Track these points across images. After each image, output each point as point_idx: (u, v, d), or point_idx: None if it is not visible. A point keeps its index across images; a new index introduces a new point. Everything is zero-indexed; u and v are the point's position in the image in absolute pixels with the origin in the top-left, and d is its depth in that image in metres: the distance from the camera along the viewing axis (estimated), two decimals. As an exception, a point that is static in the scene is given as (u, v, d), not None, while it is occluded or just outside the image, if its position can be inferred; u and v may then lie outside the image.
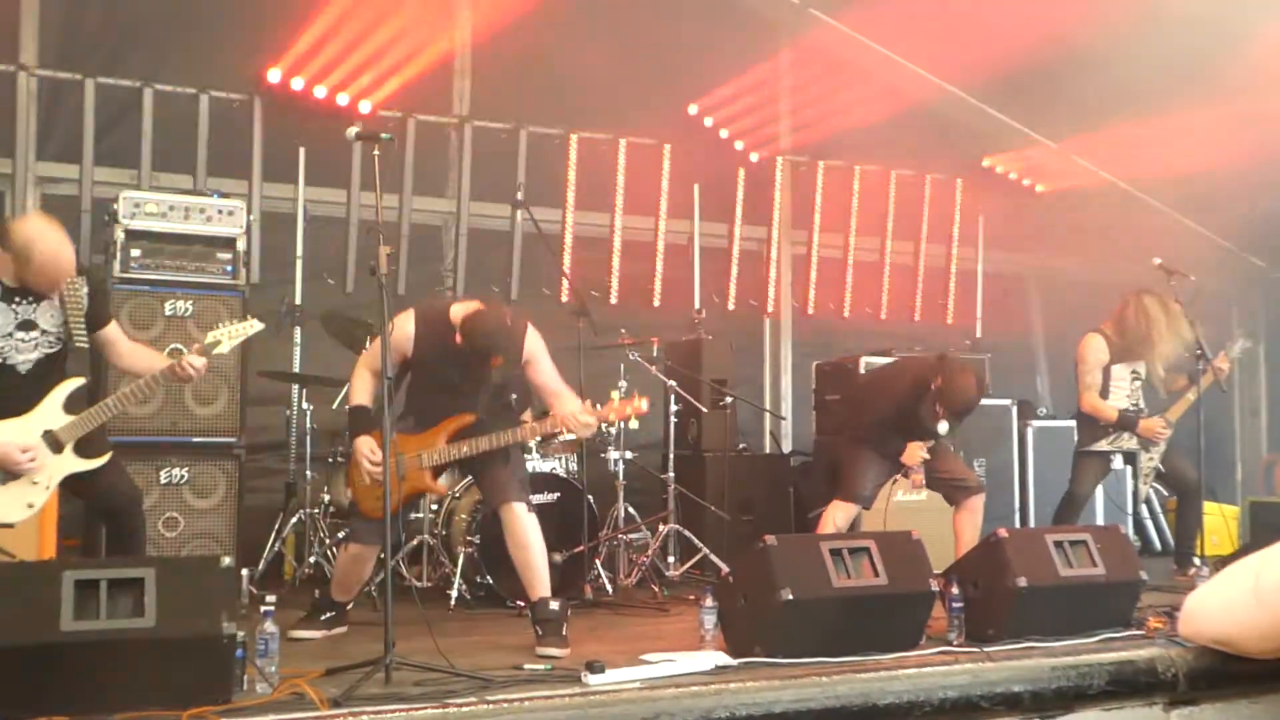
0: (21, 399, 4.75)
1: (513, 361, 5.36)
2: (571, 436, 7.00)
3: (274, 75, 8.16)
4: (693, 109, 9.71)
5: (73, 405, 4.84)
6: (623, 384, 7.36)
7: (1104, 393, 7.43)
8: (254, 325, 5.20)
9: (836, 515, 6.39)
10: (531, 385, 5.60)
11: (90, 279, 4.93)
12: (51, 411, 4.79)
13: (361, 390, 5.41)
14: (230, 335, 5.08)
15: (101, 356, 5.18)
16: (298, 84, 8.23)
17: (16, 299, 4.73)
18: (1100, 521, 8.18)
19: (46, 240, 4.68)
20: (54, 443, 4.77)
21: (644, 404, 5.46)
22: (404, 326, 5.38)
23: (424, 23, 8.47)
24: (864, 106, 9.71)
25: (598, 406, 5.46)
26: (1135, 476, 7.67)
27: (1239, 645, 1.81)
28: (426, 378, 5.48)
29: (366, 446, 5.22)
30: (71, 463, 4.80)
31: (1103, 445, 7.47)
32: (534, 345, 5.49)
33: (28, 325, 4.74)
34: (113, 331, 5.04)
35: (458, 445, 5.34)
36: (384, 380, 4.76)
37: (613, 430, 7.27)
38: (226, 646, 3.91)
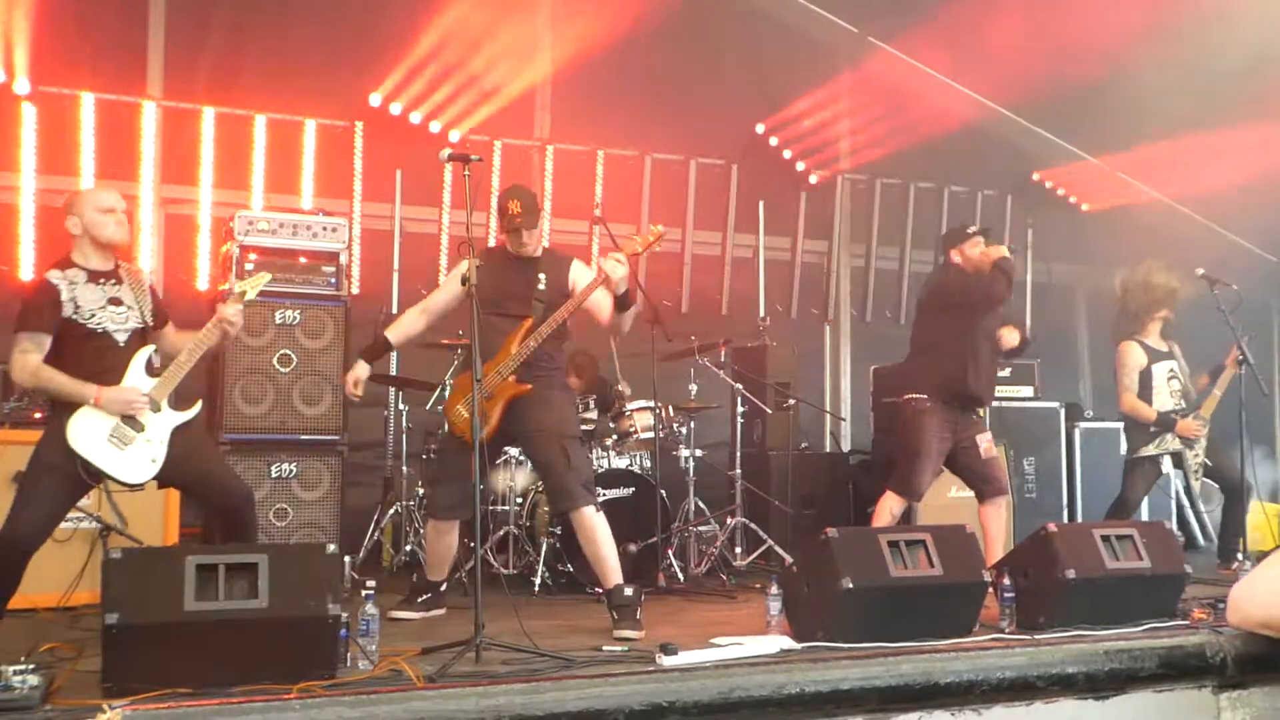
0: (118, 370, 4.77)
1: (533, 225, 5.38)
2: (648, 435, 7.03)
3: (374, 100, 8.27)
4: (759, 128, 9.69)
5: (152, 369, 4.88)
6: (692, 387, 7.36)
7: (1146, 396, 7.31)
8: (265, 276, 5.21)
9: (893, 505, 6.28)
10: (583, 303, 5.33)
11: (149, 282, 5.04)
12: (138, 378, 4.81)
13: (400, 326, 5.56)
14: (252, 285, 5.08)
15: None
16: (395, 110, 8.33)
17: (101, 279, 4.77)
18: (1145, 518, 8.03)
19: (92, 193, 4.93)
20: (152, 403, 4.77)
21: (660, 227, 5.59)
22: (462, 266, 5.18)
23: (509, 52, 8.53)
24: (919, 127, 9.63)
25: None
26: (1186, 475, 7.49)
27: (1285, 629, 1.77)
28: (485, 314, 5.16)
29: (354, 374, 5.39)
30: (172, 417, 4.82)
31: (1150, 450, 7.31)
32: (578, 274, 5.45)
33: (116, 301, 4.79)
34: (169, 329, 5.06)
35: (525, 344, 5.24)
36: (474, 382, 4.78)
37: (684, 431, 7.28)
38: (332, 626, 3.96)
